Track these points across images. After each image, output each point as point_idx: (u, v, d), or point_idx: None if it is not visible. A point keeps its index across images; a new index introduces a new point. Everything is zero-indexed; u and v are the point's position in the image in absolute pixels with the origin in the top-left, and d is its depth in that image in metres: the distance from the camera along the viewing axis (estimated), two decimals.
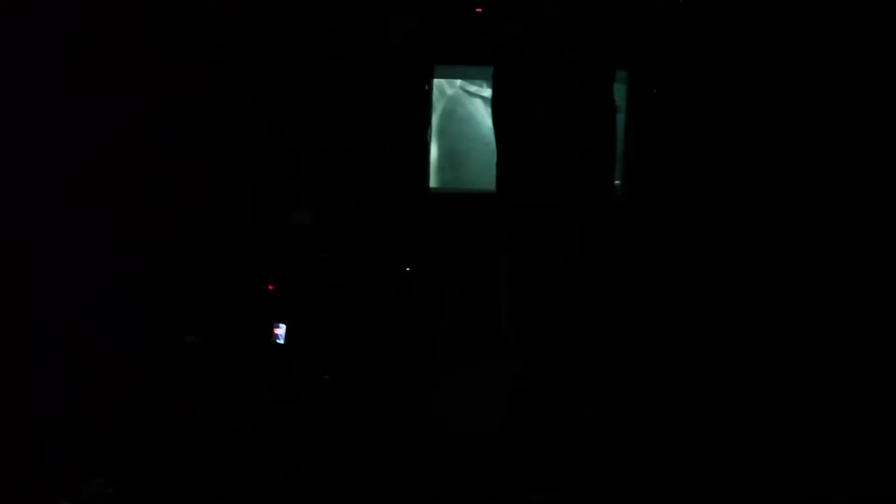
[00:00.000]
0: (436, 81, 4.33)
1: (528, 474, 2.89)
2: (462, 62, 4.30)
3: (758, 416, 3.18)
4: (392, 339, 3.74)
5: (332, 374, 3.51)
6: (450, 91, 4.36)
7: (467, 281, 3.96)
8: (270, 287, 3.71)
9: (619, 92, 4.08)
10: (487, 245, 3.64)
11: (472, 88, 4.33)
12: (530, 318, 2.98)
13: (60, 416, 2.99)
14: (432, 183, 4.38)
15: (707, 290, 3.81)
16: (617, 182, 4.25)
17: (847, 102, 3.73)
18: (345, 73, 4.00)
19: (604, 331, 3.15)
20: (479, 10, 4.03)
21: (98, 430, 2.99)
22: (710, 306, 3.77)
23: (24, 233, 3.10)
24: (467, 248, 4.04)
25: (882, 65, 3.67)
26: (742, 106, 3.93)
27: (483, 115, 4.24)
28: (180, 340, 3.46)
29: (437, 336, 3.85)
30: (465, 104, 4.36)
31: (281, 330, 3.59)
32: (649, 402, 3.31)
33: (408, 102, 4.18)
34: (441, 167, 4.39)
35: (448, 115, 4.37)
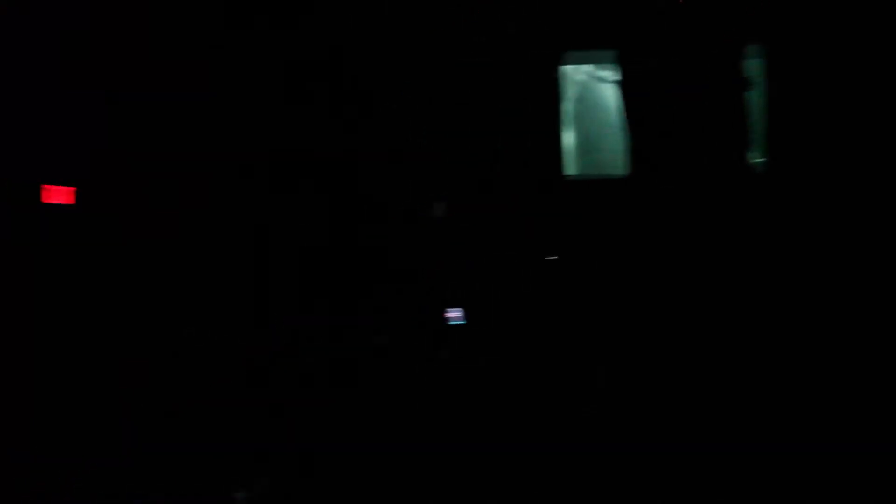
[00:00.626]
0: (565, 68, 4.26)
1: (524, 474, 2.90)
2: (589, 47, 4.22)
3: (757, 416, 3.17)
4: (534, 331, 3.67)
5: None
6: (578, 77, 4.30)
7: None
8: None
9: (755, 67, 3.88)
10: (622, 231, 3.59)
11: (601, 74, 4.27)
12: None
13: (60, 416, 3.00)
14: (567, 170, 4.30)
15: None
16: (760, 160, 4.04)
17: None
18: (475, 63, 3.94)
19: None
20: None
21: (98, 430, 3.01)
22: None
23: (24, 233, 3.11)
24: (604, 234, 3.91)
25: None
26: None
27: (612, 101, 4.22)
28: (181, 336, 3.46)
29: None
30: (595, 90, 4.31)
31: (457, 312, 3.60)
32: (648, 402, 3.31)
33: (538, 91, 4.10)
34: (574, 154, 4.32)
35: (578, 101, 4.32)
